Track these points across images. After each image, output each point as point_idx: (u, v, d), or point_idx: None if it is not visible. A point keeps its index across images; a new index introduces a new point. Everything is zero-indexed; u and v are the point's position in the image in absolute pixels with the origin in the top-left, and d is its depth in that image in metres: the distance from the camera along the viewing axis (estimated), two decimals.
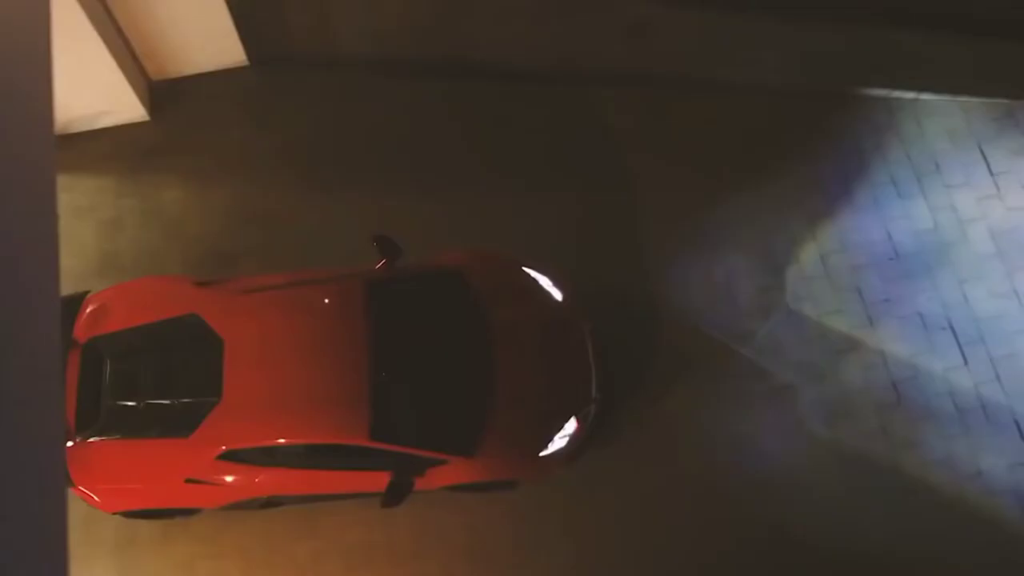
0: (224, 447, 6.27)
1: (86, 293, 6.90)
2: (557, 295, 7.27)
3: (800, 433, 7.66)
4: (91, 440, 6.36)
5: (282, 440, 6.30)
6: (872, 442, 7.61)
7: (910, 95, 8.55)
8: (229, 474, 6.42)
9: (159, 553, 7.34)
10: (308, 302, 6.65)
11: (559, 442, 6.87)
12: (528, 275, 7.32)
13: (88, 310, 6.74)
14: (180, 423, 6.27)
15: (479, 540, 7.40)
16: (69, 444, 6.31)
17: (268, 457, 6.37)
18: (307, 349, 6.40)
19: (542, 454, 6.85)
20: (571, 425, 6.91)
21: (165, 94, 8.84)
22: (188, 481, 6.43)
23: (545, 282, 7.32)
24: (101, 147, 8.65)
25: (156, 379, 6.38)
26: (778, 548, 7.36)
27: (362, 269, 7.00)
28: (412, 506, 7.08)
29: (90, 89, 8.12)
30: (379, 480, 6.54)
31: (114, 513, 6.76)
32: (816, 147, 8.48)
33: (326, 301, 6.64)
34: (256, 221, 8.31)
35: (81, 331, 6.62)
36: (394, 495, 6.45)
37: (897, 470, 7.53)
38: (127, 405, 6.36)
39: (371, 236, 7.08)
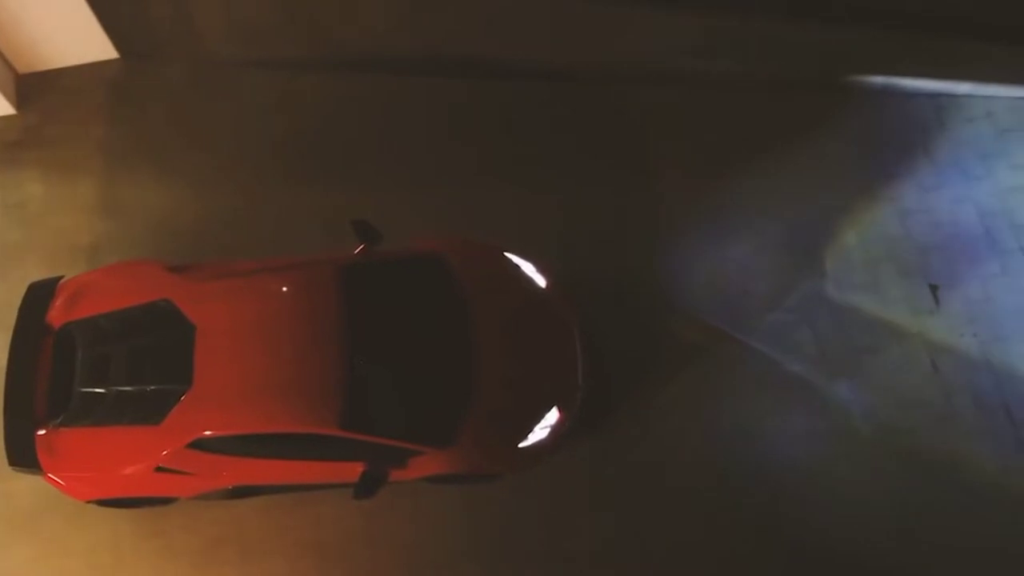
0: (194, 436, 6.10)
1: (60, 278, 6.73)
2: (541, 281, 7.14)
3: (811, 429, 7.63)
4: (61, 427, 6.22)
5: (252, 429, 6.12)
6: (902, 447, 7.57)
7: (938, 87, 8.64)
8: (199, 463, 6.25)
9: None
10: (282, 288, 6.46)
11: (540, 433, 6.67)
12: (510, 261, 7.18)
13: (61, 295, 6.59)
14: (150, 411, 6.13)
15: (331, 536, 7.23)
16: (40, 431, 6.21)
17: (239, 446, 6.20)
18: (279, 336, 6.27)
19: (521, 445, 6.63)
20: (553, 415, 6.72)
21: (33, 87, 8.63)
22: (158, 470, 6.24)
23: (528, 268, 7.18)
24: None
25: (127, 366, 6.25)
26: (787, 545, 7.27)
27: (339, 254, 6.84)
28: (263, 501, 7.15)
29: None
30: (353, 471, 6.42)
31: (87, 501, 6.56)
32: (836, 139, 8.53)
33: (300, 287, 6.47)
34: (118, 214, 8.14)
35: (54, 316, 6.49)
36: (366, 486, 6.27)
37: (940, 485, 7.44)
38: (97, 392, 6.24)
39: (350, 221, 6.95)
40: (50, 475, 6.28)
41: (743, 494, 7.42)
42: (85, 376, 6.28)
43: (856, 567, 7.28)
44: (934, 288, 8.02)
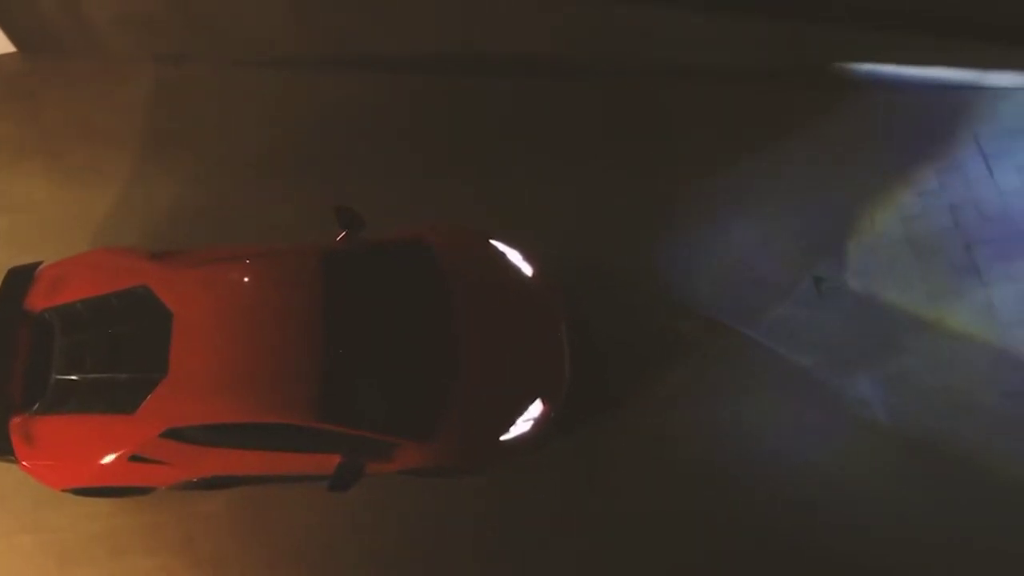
0: (168, 425, 6.03)
1: (39, 264, 6.72)
2: (527, 270, 6.96)
3: (822, 426, 7.29)
4: (36, 415, 6.17)
5: (227, 419, 6.04)
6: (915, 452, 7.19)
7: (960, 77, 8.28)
8: (174, 453, 6.18)
9: None
10: (261, 276, 6.38)
11: (523, 426, 6.49)
12: (496, 249, 7.01)
13: (40, 281, 6.57)
14: (125, 399, 6.06)
15: (204, 538, 7.06)
16: (15, 419, 6.18)
17: (215, 436, 6.12)
18: (257, 325, 6.18)
19: (503, 438, 6.46)
20: (537, 408, 6.53)
21: None
22: (133, 459, 6.17)
23: (515, 256, 7.01)
24: None
25: (104, 353, 6.20)
26: (792, 546, 6.98)
27: (321, 242, 6.74)
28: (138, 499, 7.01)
29: None
30: (329, 463, 6.28)
31: (63, 490, 6.52)
32: (849, 131, 8.19)
33: (280, 275, 6.39)
34: (8, 209, 8.02)
35: (32, 302, 6.47)
36: (342, 479, 6.14)
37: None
38: (73, 379, 6.19)
39: (333, 207, 6.84)
40: (24, 463, 6.24)
41: (744, 493, 7.09)
42: (62, 363, 6.23)
43: (874, 572, 6.91)
44: (818, 280, 7.69)
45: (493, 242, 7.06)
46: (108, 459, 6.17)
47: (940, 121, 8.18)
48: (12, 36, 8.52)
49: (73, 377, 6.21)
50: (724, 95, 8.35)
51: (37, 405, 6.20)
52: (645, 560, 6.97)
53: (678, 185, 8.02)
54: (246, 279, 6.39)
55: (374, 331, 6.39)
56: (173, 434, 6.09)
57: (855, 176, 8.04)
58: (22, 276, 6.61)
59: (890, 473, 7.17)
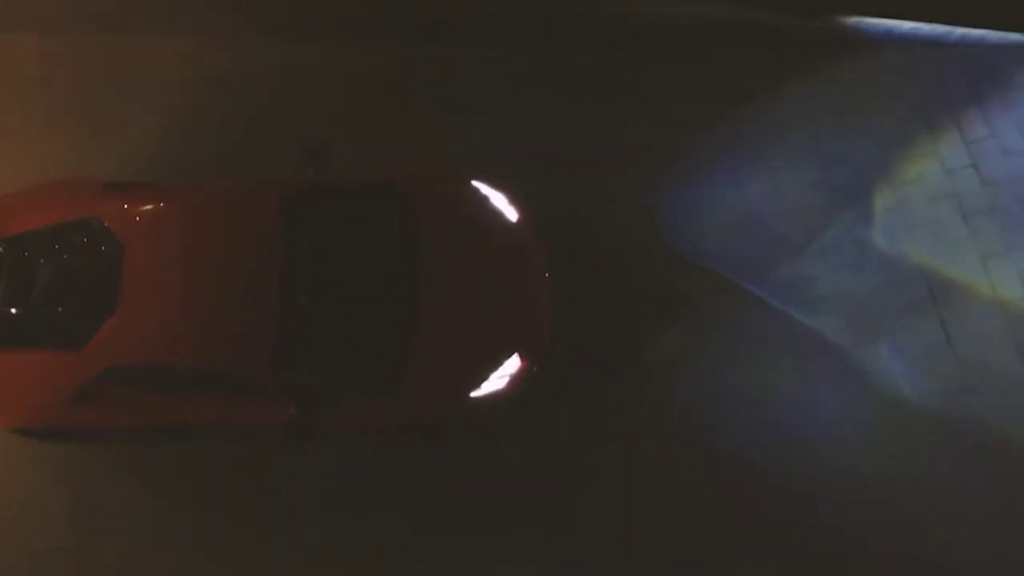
0: (115, 364, 5.72)
1: None
2: (512, 215, 6.48)
3: (839, 399, 6.69)
4: None
5: (177, 363, 5.75)
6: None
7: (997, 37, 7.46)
8: (119, 397, 5.89)
9: None
10: (219, 213, 6.03)
11: (497, 382, 6.07)
12: (478, 191, 6.54)
13: None
14: (72, 335, 5.75)
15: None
16: None
17: (163, 380, 5.82)
18: (212, 264, 5.85)
19: (473, 394, 6.05)
20: (514, 363, 6.10)
21: None
22: (76, 400, 5.88)
23: (499, 200, 6.53)
24: None
25: (51, 286, 5.89)
26: (793, 534, 6.43)
27: (286, 179, 6.36)
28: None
29: None
30: (282, 416, 5.91)
31: (8, 430, 6.26)
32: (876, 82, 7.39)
33: (237, 212, 6.03)
34: None
35: None
36: (296, 435, 5.87)
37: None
38: (18, 313, 5.89)
39: (300, 144, 6.49)
40: None
41: (747, 468, 6.50)
42: (7, 295, 5.93)
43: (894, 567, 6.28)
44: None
45: (476, 184, 6.55)
46: (51, 398, 5.86)
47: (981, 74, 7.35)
48: None
49: (17, 310, 5.90)
50: (725, 54, 7.56)
51: None
52: (624, 548, 6.44)
53: (678, 140, 7.30)
54: (203, 216, 6.00)
55: (336, 276, 5.98)
56: (119, 375, 5.75)
57: (880, 128, 7.26)
58: None
59: (915, 452, 6.51)
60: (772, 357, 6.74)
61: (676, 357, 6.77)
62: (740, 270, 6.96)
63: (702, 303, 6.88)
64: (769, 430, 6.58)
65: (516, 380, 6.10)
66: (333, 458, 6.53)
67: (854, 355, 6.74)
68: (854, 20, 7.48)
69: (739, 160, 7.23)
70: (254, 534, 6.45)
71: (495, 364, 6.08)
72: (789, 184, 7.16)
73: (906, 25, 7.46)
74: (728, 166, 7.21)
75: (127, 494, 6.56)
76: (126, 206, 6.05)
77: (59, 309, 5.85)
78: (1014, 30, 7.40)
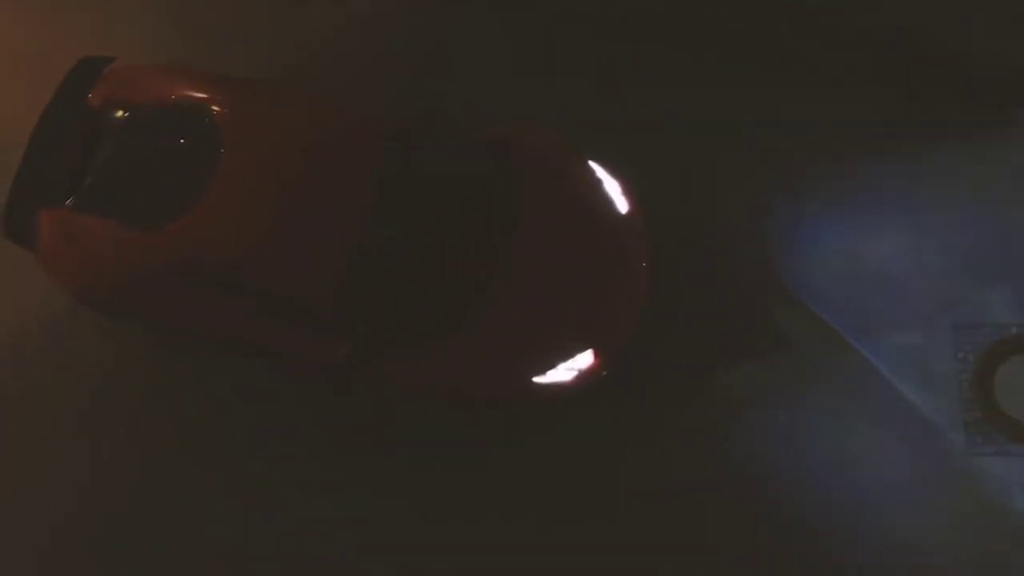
0: (184, 258, 5.67)
1: (111, 59, 6.33)
2: (623, 206, 6.18)
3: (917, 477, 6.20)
4: (64, 212, 5.84)
5: (246, 275, 5.66)
6: None
7: None
8: (186, 291, 5.80)
9: None
10: (326, 135, 5.93)
11: (563, 373, 5.80)
12: (591, 172, 6.24)
13: (109, 78, 6.18)
14: (152, 215, 5.72)
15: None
16: (44, 210, 5.85)
17: (227, 289, 5.73)
18: (305, 185, 5.77)
19: (537, 379, 5.78)
20: (586, 359, 5.82)
21: None
22: (140, 283, 5.81)
23: (612, 187, 6.22)
24: None
25: (148, 163, 5.86)
26: None
27: (396, 117, 6.22)
28: None
29: None
30: (335, 354, 5.80)
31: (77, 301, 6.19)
32: None
33: (345, 139, 5.92)
34: None
35: (94, 98, 6.09)
36: (343, 380, 5.74)
37: None
38: (112, 184, 5.87)
39: (421, 83, 6.47)
40: (40, 256, 5.93)
41: (798, 534, 6.03)
42: (104, 166, 5.88)
43: None
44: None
45: (591, 164, 6.23)
46: (119, 274, 5.79)
47: None
48: None
49: (113, 182, 5.84)
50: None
51: (70, 201, 5.86)
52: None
53: (821, 165, 6.79)
54: (309, 134, 5.88)
55: (423, 226, 5.80)
56: (191, 268, 5.67)
57: None
58: (92, 68, 6.25)
59: (981, 561, 5.95)
60: (857, 424, 6.23)
61: (748, 396, 6.32)
62: (853, 324, 6.46)
63: (800, 349, 6.38)
64: (822, 509, 6.11)
65: (583, 377, 5.79)
66: (372, 419, 6.34)
67: (946, 442, 6.17)
68: None
69: (885, 206, 6.73)
70: (260, 456, 6.35)
71: (566, 354, 5.79)
72: (935, 248, 6.63)
73: None
74: (871, 210, 6.71)
75: (163, 386, 6.52)
76: (239, 106, 5.94)
77: (152, 188, 5.80)
78: None
